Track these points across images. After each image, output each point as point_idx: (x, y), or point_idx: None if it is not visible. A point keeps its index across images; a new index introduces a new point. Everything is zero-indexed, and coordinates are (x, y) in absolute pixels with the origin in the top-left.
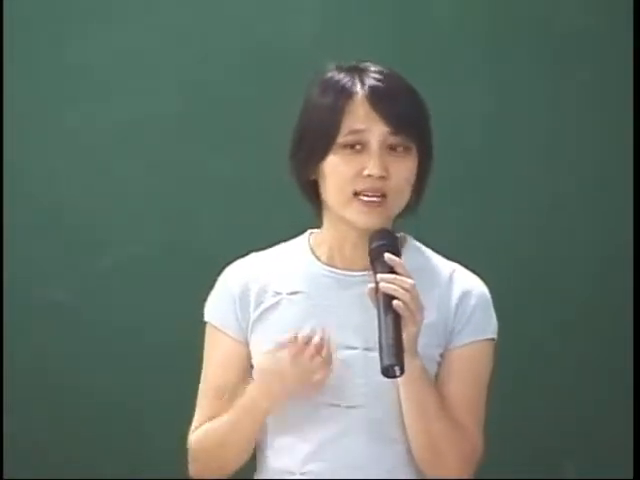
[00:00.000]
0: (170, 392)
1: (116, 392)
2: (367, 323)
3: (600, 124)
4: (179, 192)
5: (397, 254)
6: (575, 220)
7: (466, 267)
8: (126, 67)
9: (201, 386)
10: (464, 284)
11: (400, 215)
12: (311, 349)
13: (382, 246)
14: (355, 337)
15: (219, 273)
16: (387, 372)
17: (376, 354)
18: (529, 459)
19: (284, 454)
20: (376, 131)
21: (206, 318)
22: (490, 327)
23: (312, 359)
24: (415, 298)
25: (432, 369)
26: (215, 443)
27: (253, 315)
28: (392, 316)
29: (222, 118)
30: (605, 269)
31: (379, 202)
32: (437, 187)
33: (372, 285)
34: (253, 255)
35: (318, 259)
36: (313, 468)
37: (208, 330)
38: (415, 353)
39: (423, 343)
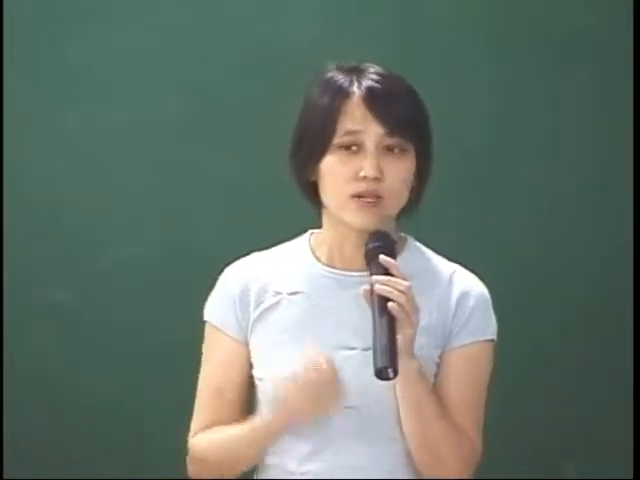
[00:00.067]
0: (170, 392)
1: (116, 392)
2: (366, 324)
3: (600, 124)
4: (179, 192)
5: (393, 256)
6: (575, 220)
7: (466, 267)
8: (126, 67)
9: (200, 386)
10: (463, 285)
11: (401, 215)
12: (318, 379)
13: (377, 248)
14: (354, 338)
15: (219, 273)
16: (380, 374)
17: None
18: (529, 459)
19: (283, 454)
20: (372, 132)
21: (206, 318)
22: (489, 328)
23: (321, 388)
24: (410, 300)
25: (431, 370)
26: (221, 455)
27: (253, 315)
28: (386, 318)
29: (222, 118)
30: (605, 269)
31: (375, 203)
32: (437, 187)
33: (367, 287)
34: (254, 255)
35: (318, 259)
36: (312, 468)
37: (208, 330)
38: (412, 355)
39: (422, 344)
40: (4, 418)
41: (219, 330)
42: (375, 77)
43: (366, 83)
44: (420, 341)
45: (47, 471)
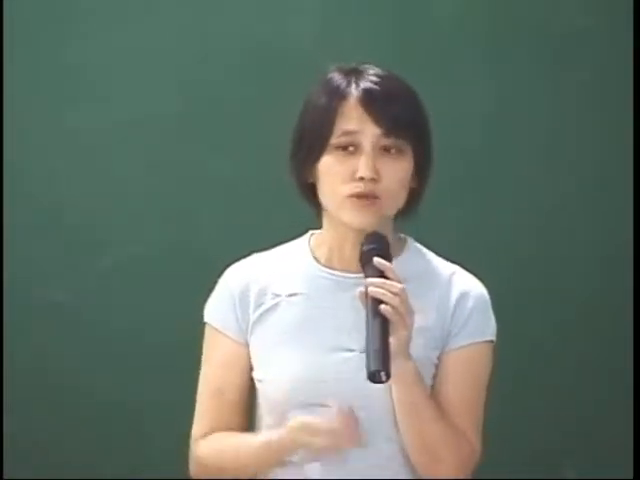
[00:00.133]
0: (170, 392)
1: (116, 392)
2: (364, 325)
3: (600, 124)
4: (179, 192)
5: (387, 258)
6: (575, 220)
7: (466, 267)
8: (126, 67)
9: (200, 389)
10: (462, 286)
11: (401, 216)
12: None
13: (372, 250)
14: (352, 339)
15: (219, 273)
16: (373, 377)
17: None
18: (529, 459)
19: None
20: (368, 133)
21: (206, 319)
22: (488, 329)
23: (348, 442)
24: (404, 302)
25: (430, 372)
26: (226, 465)
27: (253, 316)
28: (380, 320)
29: (222, 118)
30: (605, 269)
31: (371, 203)
32: (437, 187)
33: (362, 289)
34: (254, 256)
35: (317, 261)
36: (312, 468)
37: (208, 331)
38: (408, 356)
39: (421, 345)
40: (4, 418)
41: (219, 332)
42: (373, 78)
43: (364, 84)
44: (418, 342)
45: (47, 471)
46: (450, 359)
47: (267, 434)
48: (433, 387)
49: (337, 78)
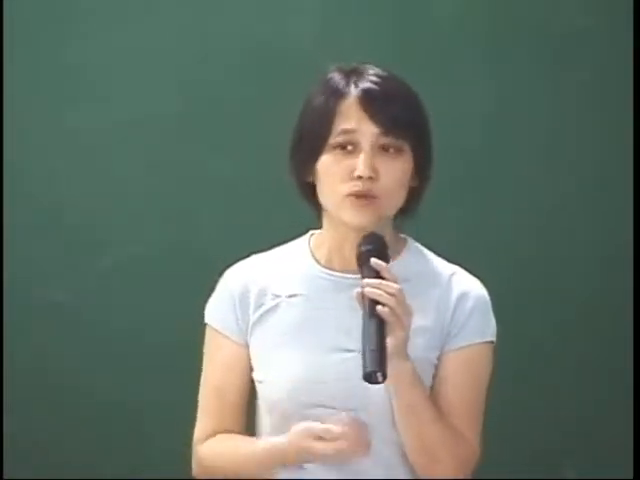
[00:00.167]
0: (170, 392)
1: (116, 392)
2: None
3: (600, 124)
4: (179, 192)
5: (385, 259)
6: (575, 220)
7: (466, 267)
8: (126, 67)
9: (202, 390)
10: (462, 287)
11: (401, 216)
12: (353, 444)
13: (369, 251)
14: (352, 340)
15: (219, 273)
16: (369, 378)
17: None
18: (529, 459)
19: None
20: (366, 132)
21: (206, 320)
22: (488, 330)
23: (354, 450)
24: (401, 303)
25: (430, 372)
26: (229, 468)
27: (253, 317)
28: (376, 321)
29: (222, 118)
30: (605, 269)
31: (370, 202)
32: (437, 187)
33: (359, 290)
34: (254, 257)
35: (317, 261)
36: (311, 468)
37: (208, 333)
38: (405, 357)
39: (420, 346)
40: (4, 418)
41: (219, 333)
42: (373, 79)
43: (363, 84)
44: (417, 342)
45: (47, 471)
46: (449, 360)
47: (271, 439)
48: (432, 388)
49: (337, 78)
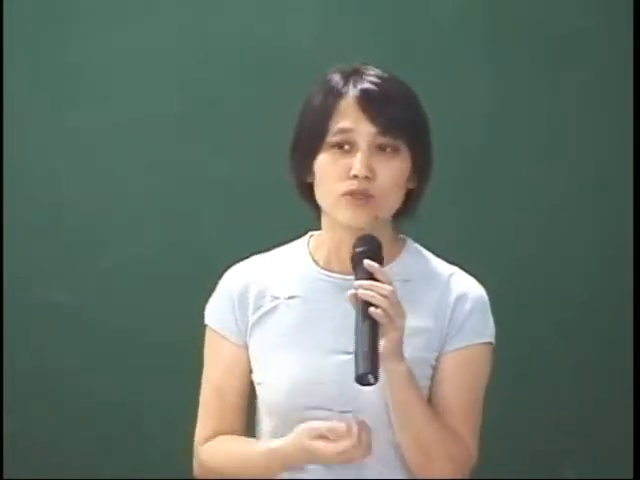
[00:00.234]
0: (170, 392)
1: (116, 392)
2: None
3: (600, 124)
4: (179, 192)
5: (379, 260)
6: (575, 220)
7: (466, 268)
8: (126, 67)
9: (202, 392)
10: (461, 288)
11: (400, 216)
12: (355, 444)
13: (363, 252)
14: (350, 342)
15: (219, 273)
16: (361, 380)
17: None
18: (529, 459)
19: None
20: (364, 131)
21: (206, 321)
22: (487, 331)
23: (356, 451)
24: (394, 304)
25: (428, 374)
26: (231, 470)
27: (252, 319)
28: (369, 323)
29: (222, 118)
30: (605, 269)
31: (365, 201)
32: (437, 187)
33: (352, 291)
34: (253, 258)
35: (316, 263)
36: (311, 468)
37: (208, 334)
38: (400, 358)
39: (418, 346)
40: (4, 418)
41: (219, 334)
42: (372, 79)
43: (362, 85)
44: (415, 343)
45: (47, 471)
46: (447, 361)
47: (273, 441)
48: (431, 389)
49: (336, 78)
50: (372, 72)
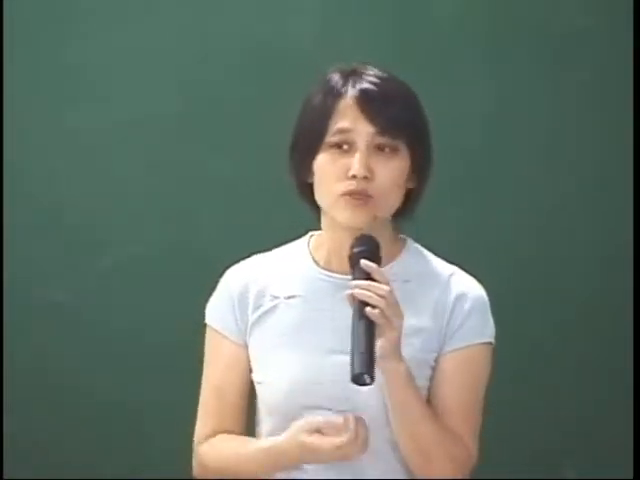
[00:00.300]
0: (170, 392)
1: (116, 392)
2: None
3: (600, 124)
4: (179, 192)
5: (376, 260)
6: (575, 220)
7: (466, 268)
8: (126, 67)
9: (202, 391)
10: (460, 288)
11: (399, 216)
12: (352, 439)
13: (360, 252)
14: (350, 342)
15: (219, 273)
16: (357, 380)
17: None
18: (529, 459)
19: None
20: (362, 131)
21: (206, 320)
22: (487, 331)
23: (353, 446)
24: (391, 304)
25: (426, 373)
26: (229, 469)
27: (251, 318)
28: (365, 323)
29: (222, 118)
30: (605, 269)
31: (364, 201)
32: (437, 187)
33: (349, 291)
34: (254, 257)
35: (316, 263)
36: (309, 468)
37: (208, 332)
38: (399, 358)
39: (417, 346)
40: (4, 418)
41: (219, 333)
42: (371, 79)
43: (361, 85)
44: (414, 343)
45: (47, 471)
46: (447, 361)
47: (271, 439)
48: (430, 389)
49: (336, 78)
50: (371, 72)
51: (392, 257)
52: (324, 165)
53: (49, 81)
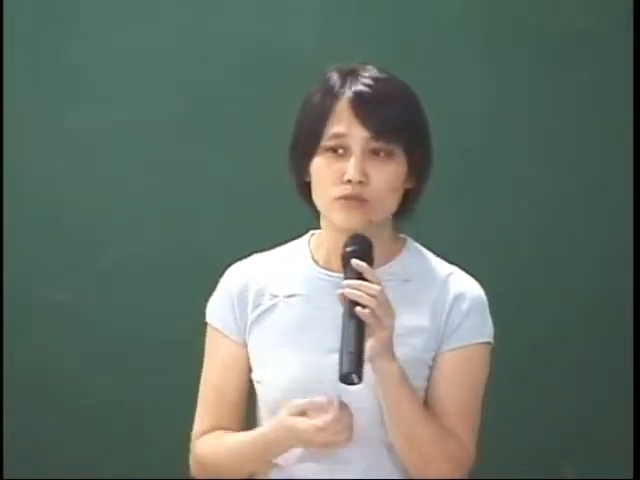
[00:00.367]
0: (170, 392)
1: (116, 392)
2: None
3: (600, 124)
4: (179, 192)
5: (368, 260)
6: (575, 220)
7: (465, 267)
8: (126, 67)
9: (201, 388)
10: (459, 287)
11: (398, 217)
12: (335, 419)
13: (353, 251)
14: None
15: (219, 273)
16: (345, 379)
17: None
18: (529, 459)
19: None
20: (357, 136)
21: (207, 319)
22: (485, 331)
23: (336, 427)
24: (382, 304)
25: (425, 374)
26: (224, 463)
27: (251, 317)
28: (355, 322)
29: (222, 118)
30: (605, 269)
31: (359, 205)
32: (437, 187)
33: (341, 290)
34: (254, 256)
35: (316, 262)
36: (306, 468)
37: (209, 331)
38: (391, 357)
39: (416, 347)
40: (4, 418)
41: (219, 332)
42: (367, 81)
43: (356, 87)
44: (413, 343)
45: (47, 471)
46: (445, 361)
47: (258, 429)
48: (428, 389)
49: (334, 78)
50: (368, 73)
51: (392, 256)
52: (320, 168)
53: (49, 81)
